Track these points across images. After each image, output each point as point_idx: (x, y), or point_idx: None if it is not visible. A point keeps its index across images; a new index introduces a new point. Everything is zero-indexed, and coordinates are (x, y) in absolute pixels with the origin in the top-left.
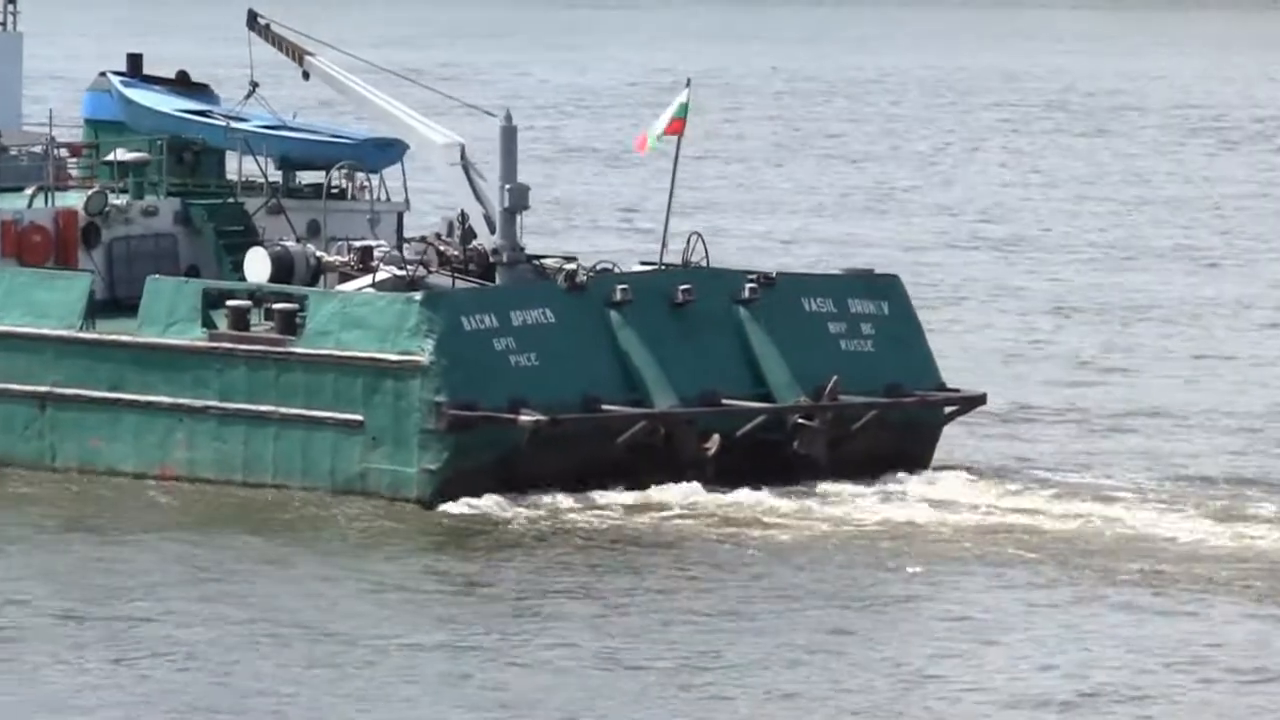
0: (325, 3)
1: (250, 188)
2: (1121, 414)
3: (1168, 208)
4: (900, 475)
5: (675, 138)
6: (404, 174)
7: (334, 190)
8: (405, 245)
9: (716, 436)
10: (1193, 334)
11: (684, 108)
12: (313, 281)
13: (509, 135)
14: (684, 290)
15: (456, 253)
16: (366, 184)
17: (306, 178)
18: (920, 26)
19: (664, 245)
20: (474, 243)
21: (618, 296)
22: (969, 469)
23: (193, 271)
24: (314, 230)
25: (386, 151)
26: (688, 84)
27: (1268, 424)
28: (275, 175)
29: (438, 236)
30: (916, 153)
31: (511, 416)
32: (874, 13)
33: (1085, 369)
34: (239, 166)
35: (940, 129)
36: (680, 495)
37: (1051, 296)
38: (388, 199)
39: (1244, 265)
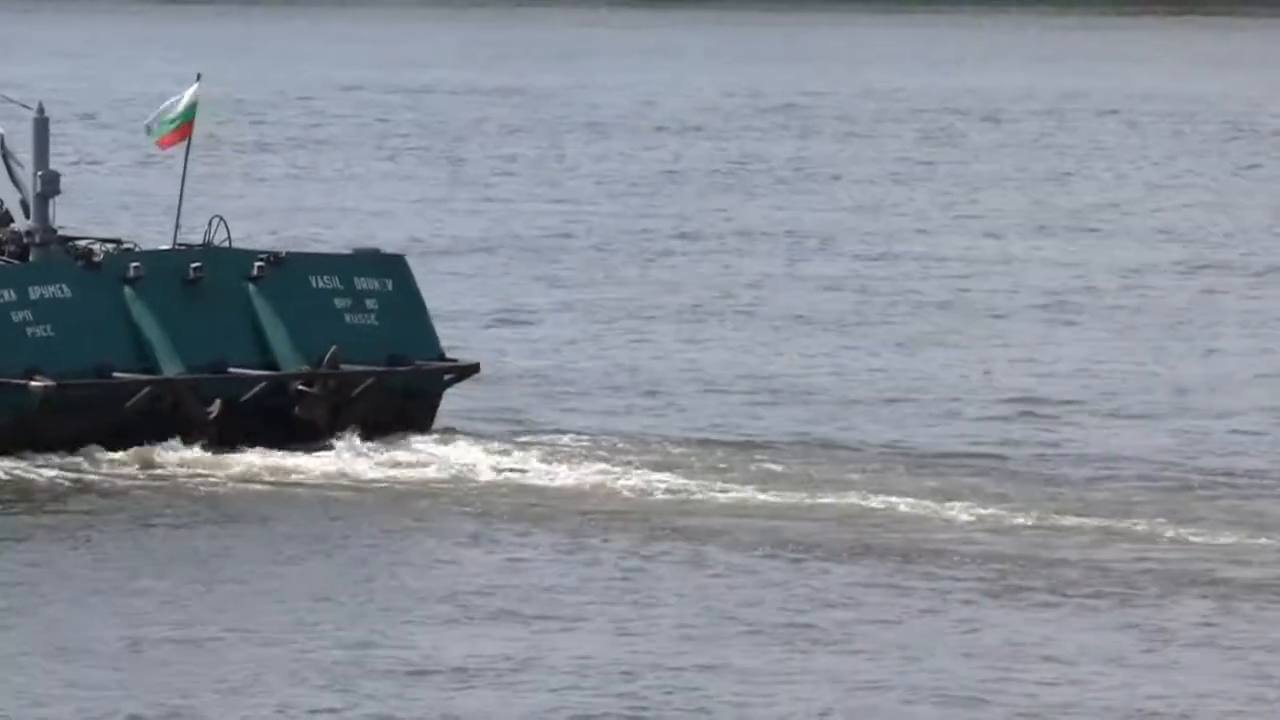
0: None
1: None
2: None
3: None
4: (393, 438)
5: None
6: None
7: None
8: None
9: (219, 401)
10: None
11: (192, 109)
12: None
13: (41, 126)
14: (195, 268)
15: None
16: None
17: None
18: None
19: (177, 227)
20: (11, 225)
21: (131, 274)
22: (464, 433)
23: None
24: None
25: None
26: (198, 79)
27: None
28: None
29: None
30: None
31: (24, 382)
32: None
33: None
34: None
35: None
36: (182, 456)
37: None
38: None
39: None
